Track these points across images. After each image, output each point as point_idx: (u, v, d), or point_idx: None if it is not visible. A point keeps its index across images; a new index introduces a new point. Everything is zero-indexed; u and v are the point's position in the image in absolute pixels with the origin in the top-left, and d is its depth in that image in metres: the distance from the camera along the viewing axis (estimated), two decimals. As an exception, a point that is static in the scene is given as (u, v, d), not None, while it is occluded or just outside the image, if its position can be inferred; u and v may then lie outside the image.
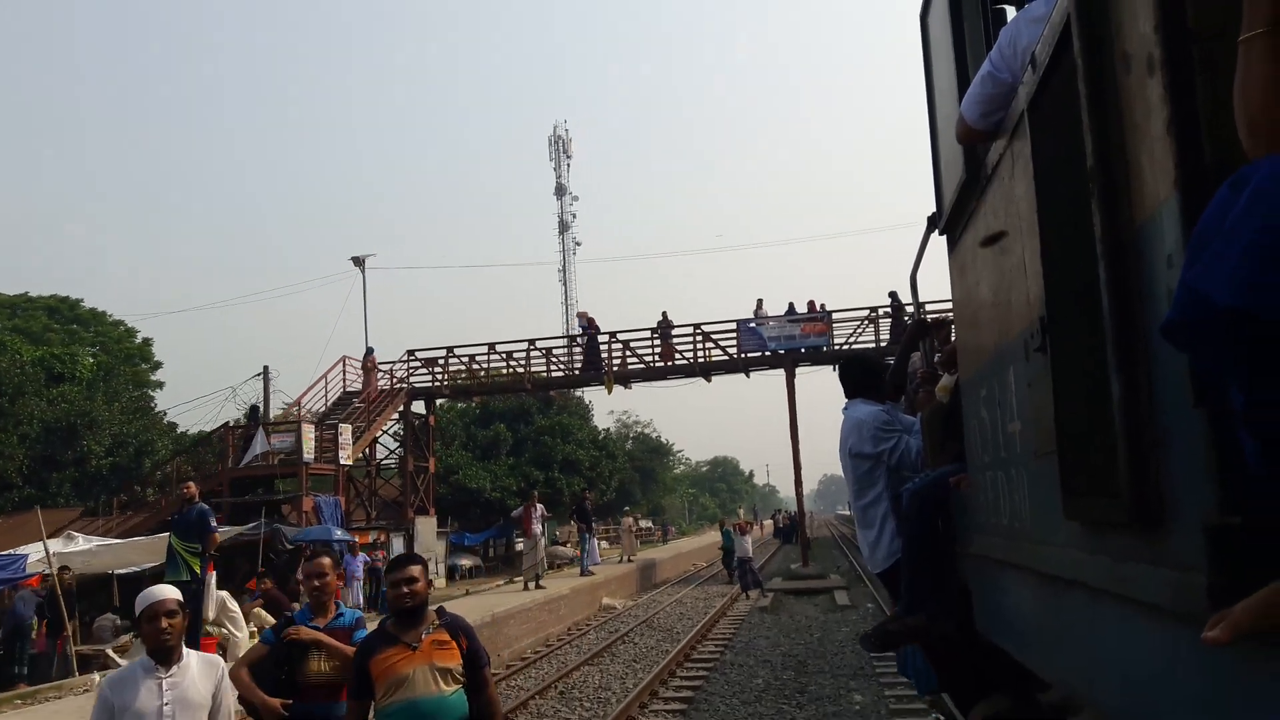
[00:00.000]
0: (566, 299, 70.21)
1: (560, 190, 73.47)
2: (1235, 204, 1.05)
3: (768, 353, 27.55)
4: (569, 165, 74.21)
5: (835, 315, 27.38)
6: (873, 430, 4.28)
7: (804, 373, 28.15)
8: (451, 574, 29.62)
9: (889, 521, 4.26)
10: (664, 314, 28.71)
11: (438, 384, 29.11)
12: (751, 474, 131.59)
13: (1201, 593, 1.25)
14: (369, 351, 28.50)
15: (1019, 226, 2.26)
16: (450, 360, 29.21)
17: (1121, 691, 1.74)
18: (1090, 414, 1.70)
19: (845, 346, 25.59)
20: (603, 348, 28.42)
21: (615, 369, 28.04)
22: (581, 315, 29.58)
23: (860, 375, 4.54)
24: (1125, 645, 1.67)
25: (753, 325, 27.72)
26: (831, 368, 24.54)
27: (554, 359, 29.25)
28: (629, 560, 29.25)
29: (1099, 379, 1.60)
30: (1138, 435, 1.48)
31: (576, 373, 29.12)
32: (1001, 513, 2.73)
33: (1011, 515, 2.59)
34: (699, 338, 28.23)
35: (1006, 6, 3.18)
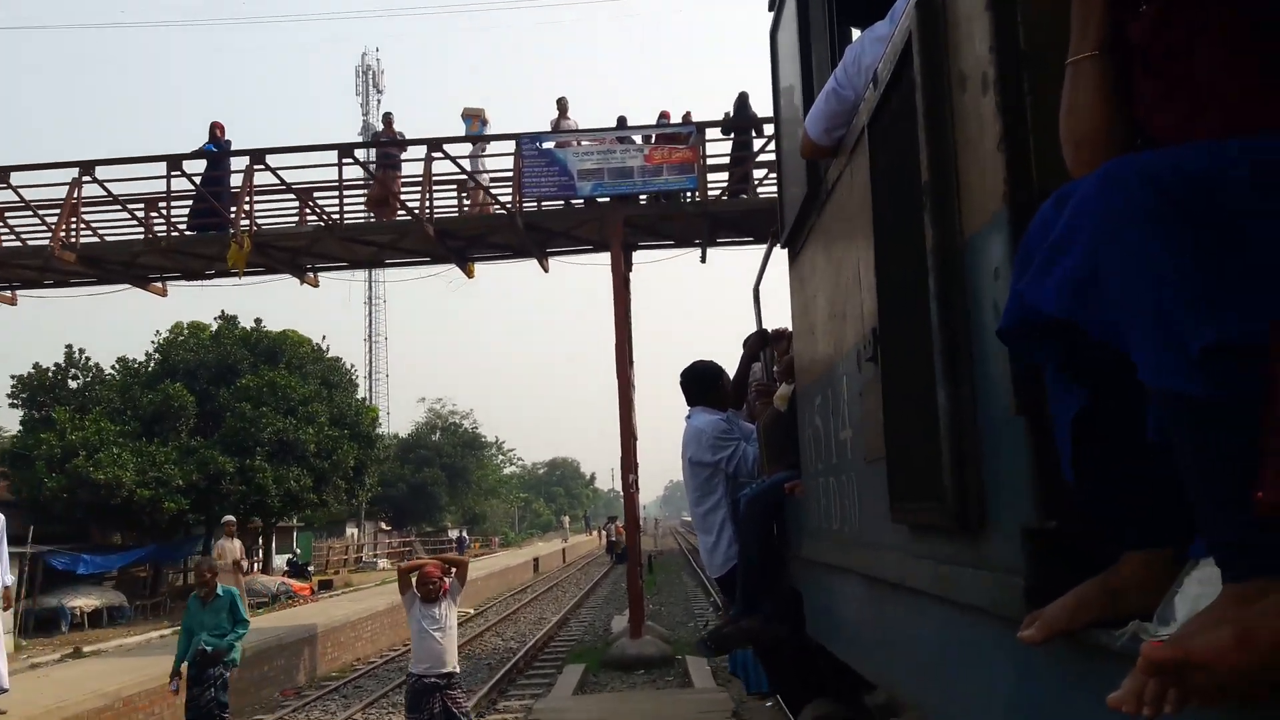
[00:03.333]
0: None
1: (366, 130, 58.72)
2: (1058, 219, 1.09)
3: (577, 199, 14.18)
4: (379, 101, 59.53)
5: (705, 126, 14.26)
6: (711, 438, 4.34)
7: (654, 266, 17.59)
8: (52, 623, 19.16)
9: (727, 527, 4.32)
10: (388, 118, 15.54)
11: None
12: (593, 477, 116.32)
13: (1019, 594, 1.29)
14: None
15: (855, 241, 2.32)
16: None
17: (943, 692, 1.80)
18: (917, 421, 1.74)
19: (722, 197, 14.31)
20: (237, 180, 14.21)
21: (254, 226, 14.11)
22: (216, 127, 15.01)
23: (699, 383, 4.60)
24: (947, 647, 1.73)
25: (544, 144, 14.08)
26: (700, 257, 15.38)
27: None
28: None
29: (926, 387, 1.64)
30: (961, 441, 1.52)
31: (183, 230, 14.36)
32: (832, 518, 2.80)
33: (842, 520, 2.66)
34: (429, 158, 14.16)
35: (852, 28, 3.29)
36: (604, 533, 52.67)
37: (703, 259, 15.73)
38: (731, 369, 4.80)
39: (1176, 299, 0.92)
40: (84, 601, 20.38)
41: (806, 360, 3.28)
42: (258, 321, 28.05)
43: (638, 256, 15.89)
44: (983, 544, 1.51)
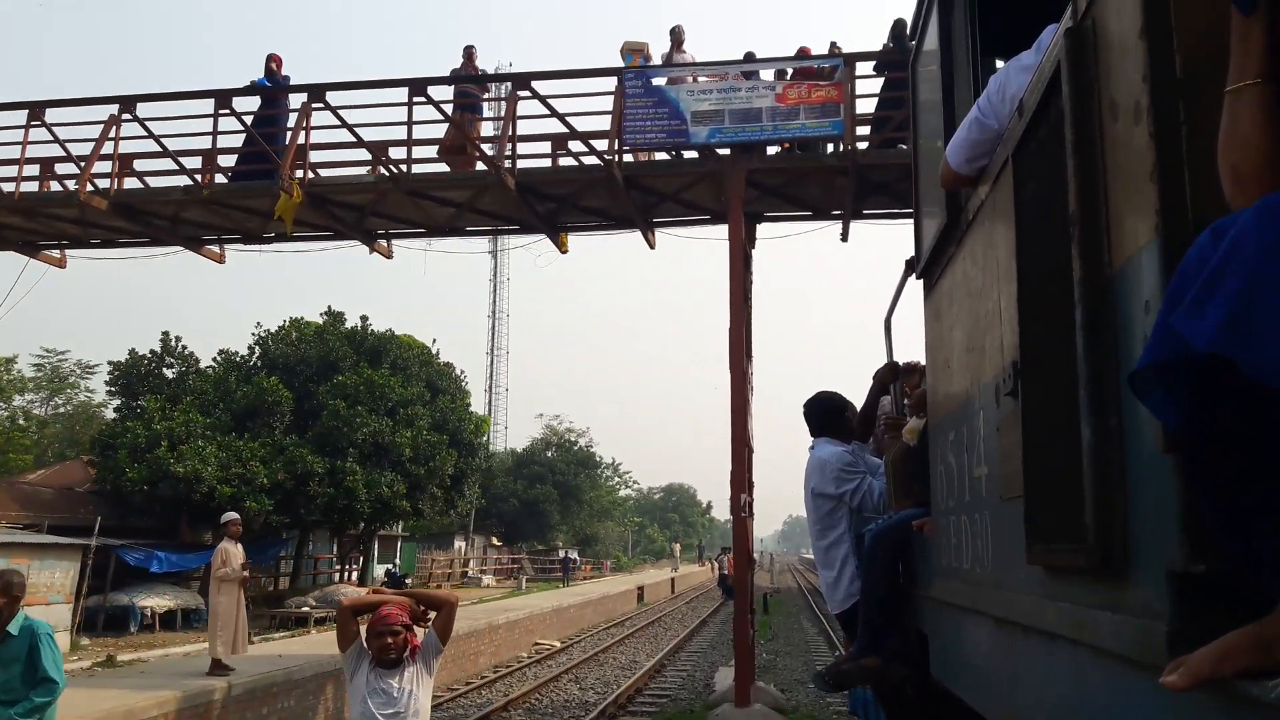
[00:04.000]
0: (496, 275, 57.71)
1: None
2: (1215, 251, 1.06)
3: (689, 147, 11.53)
4: None
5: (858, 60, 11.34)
6: (836, 471, 4.28)
7: (781, 237, 14.06)
8: (121, 621, 18.39)
9: (850, 563, 4.25)
10: (469, 51, 12.90)
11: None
12: (710, 505, 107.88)
13: (1163, 639, 1.24)
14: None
15: (996, 272, 2.28)
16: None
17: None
18: (1059, 458, 1.69)
19: (871, 147, 11.22)
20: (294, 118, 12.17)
21: (306, 177, 12.08)
22: (272, 59, 12.84)
23: (824, 414, 4.55)
24: (1083, 693, 1.66)
25: (652, 80, 11.41)
26: (841, 236, 12.57)
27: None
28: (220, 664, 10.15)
29: (1069, 423, 1.60)
30: (1105, 479, 1.47)
31: (229, 176, 12.59)
32: (963, 557, 2.72)
33: (973, 560, 2.58)
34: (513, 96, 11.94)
35: (996, 60, 3.23)
36: (716, 564, 48.35)
37: (844, 236, 12.69)
38: (859, 399, 4.73)
39: None
40: (156, 601, 19.24)
41: (940, 394, 3.21)
42: (364, 319, 26.93)
43: (763, 230, 12.79)
44: (1125, 586, 1.45)
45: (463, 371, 30.24)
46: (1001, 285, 2.20)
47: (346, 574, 29.12)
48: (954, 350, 2.91)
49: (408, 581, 27.04)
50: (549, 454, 52.53)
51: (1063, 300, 1.62)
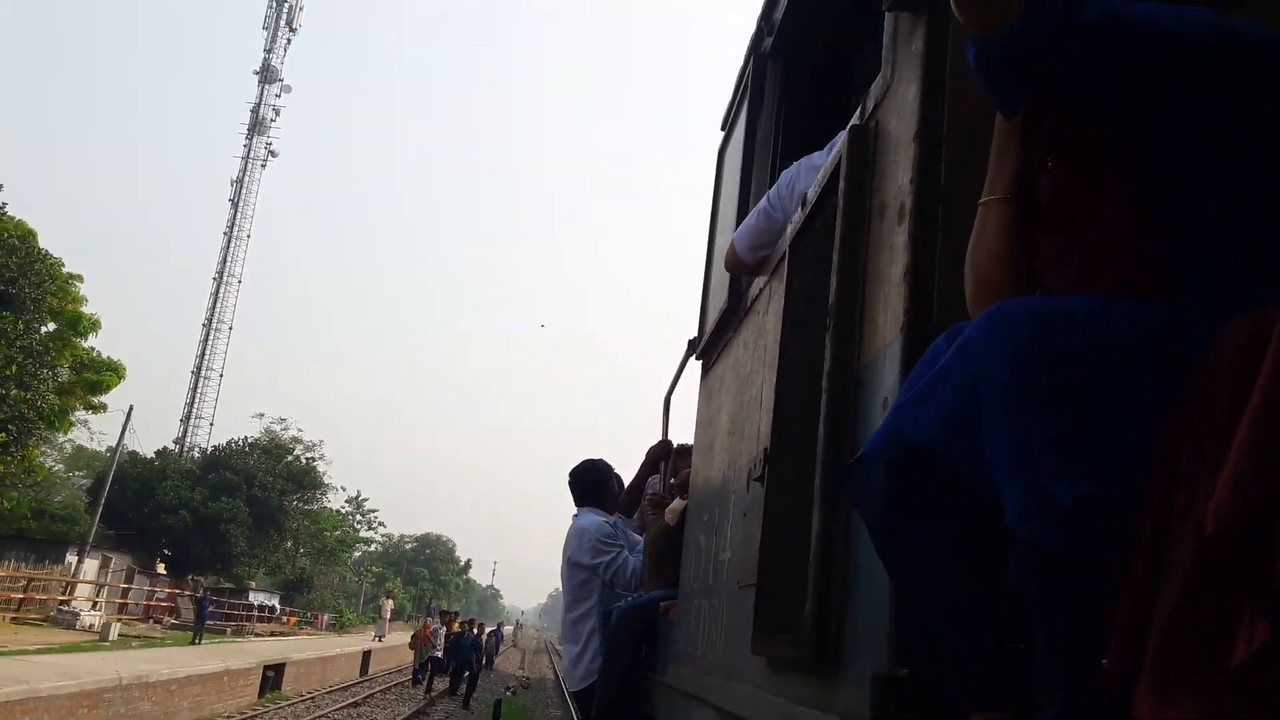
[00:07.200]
0: (234, 228, 46.72)
1: (268, 74, 50.47)
2: (947, 352, 1.07)
3: None
4: (289, 41, 52.05)
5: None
6: (594, 541, 4.20)
7: None
8: None
9: (594, 639, 4.14)
10: None
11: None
12: (468, 564, 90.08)
13: (859, 743, 1.20)
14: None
15: (764, 359, 2.30)
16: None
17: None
18: (791, 549, 1.67)
19: None
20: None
21: None
22: None
23: (589, 483, 4.49)
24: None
25: None
26: None
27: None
28: None
29: (805, 514, 1.58)
30: (828, 573, 1.45)
31: None
32: (699, 643, 2.68)
33: (707, 646, 2.54)
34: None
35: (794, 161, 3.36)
36: (442, 625, 23.88)
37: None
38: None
39: (1049, 445, 0.89)
40: None
41: (701, 476, 3.22)
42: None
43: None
44: (836, 685, 1.42)
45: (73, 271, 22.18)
46: (765, 372, 2.21)
47: None
48: (718, 433, 2.92)
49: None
50: (250, 460, 37.63)
51: (813, 391, 1.63)
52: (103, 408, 26.31)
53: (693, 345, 3.81)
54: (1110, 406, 0.91)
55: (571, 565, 4.22)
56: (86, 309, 23.55)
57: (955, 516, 1.05)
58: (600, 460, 4.58)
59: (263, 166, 50.11)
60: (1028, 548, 0.92)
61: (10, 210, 21.18)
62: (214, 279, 47.00)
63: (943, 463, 1.00)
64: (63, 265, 22.55)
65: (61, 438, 33.27)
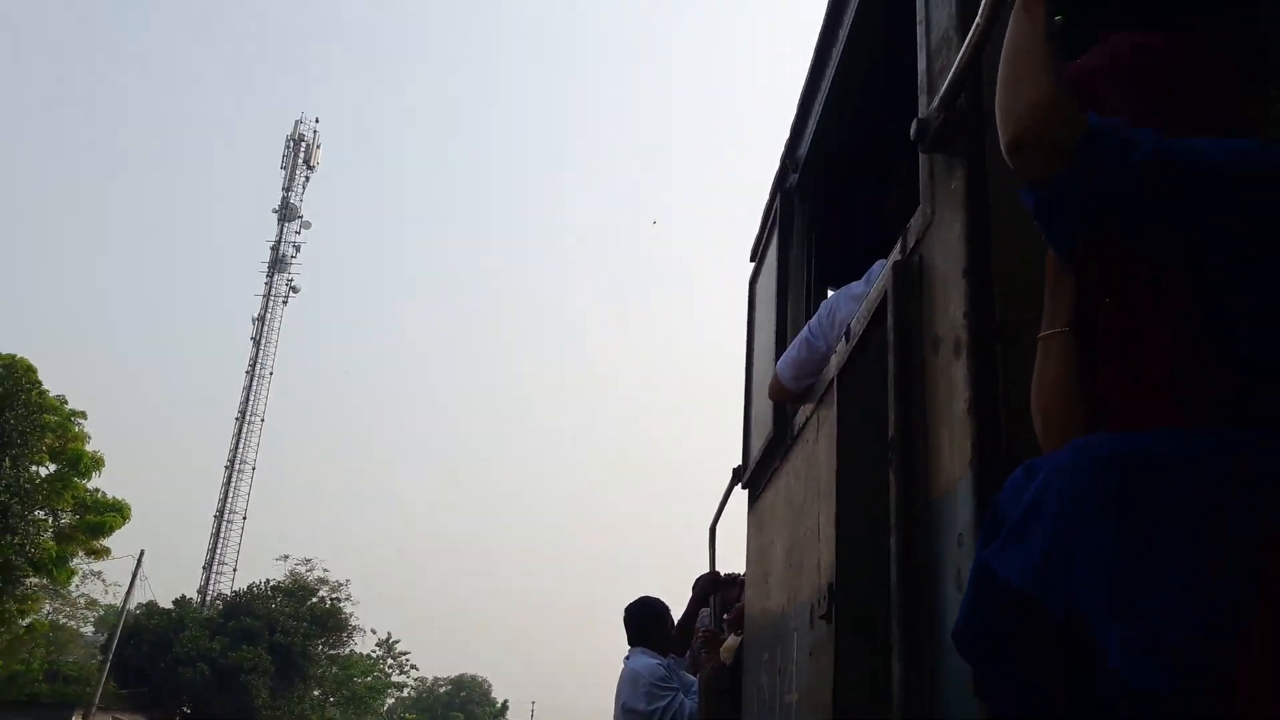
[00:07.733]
0: (255, 366, 45.02)
1: (287, 212, 49.24)
2: (1028, 489, 1.06)
3: None
4: (307, 179, 50.43)
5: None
6: (648, 686, 4.08)
7: None
8: None
9: None
10: None
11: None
12: (505, 706, 79.84)
13: None
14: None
15: (818, 490, 2.27)
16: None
17: None
18: (869, 691, 1.62)
19: None
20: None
21: None
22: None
23: (645, 621, 4.38)
24: None
25: None
26: None
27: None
28: None
29: (882, 655, 1.53)
30: (914, 719, 1.40)
31: None
32: (769, 791, 2.56)
33: (779, 796, 2.42)
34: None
35: (828, 289, 3.41)
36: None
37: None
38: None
39: (1147, 590, 0.88)
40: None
41: (757, 610, 3.13)
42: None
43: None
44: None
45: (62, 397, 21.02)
46: (822, 503, 2.18)
47: None
48: (773, 565, 2.87)
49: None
50: (272, 604, 35.12)
51: (879, 525, 1.60)
52: (105, 552, 23.64)
53: (738, 474, 3.78)
54: (1207, 541, 0.90)
55: (627, 712, 4.09)
56: (91, 447, 21.79)
57: (1055, 659, 1.02)
58: (656, 599, 4.49)
59: (284, 303, 49.12)
60: (1133, 693, 0.89)
61: (21, 352, 19.55)
62: (236, 419, 45.47)
63: (1040, 606, 0.97)
64: (65, 402, 21.27)
65: (74, 590, 30.49)
